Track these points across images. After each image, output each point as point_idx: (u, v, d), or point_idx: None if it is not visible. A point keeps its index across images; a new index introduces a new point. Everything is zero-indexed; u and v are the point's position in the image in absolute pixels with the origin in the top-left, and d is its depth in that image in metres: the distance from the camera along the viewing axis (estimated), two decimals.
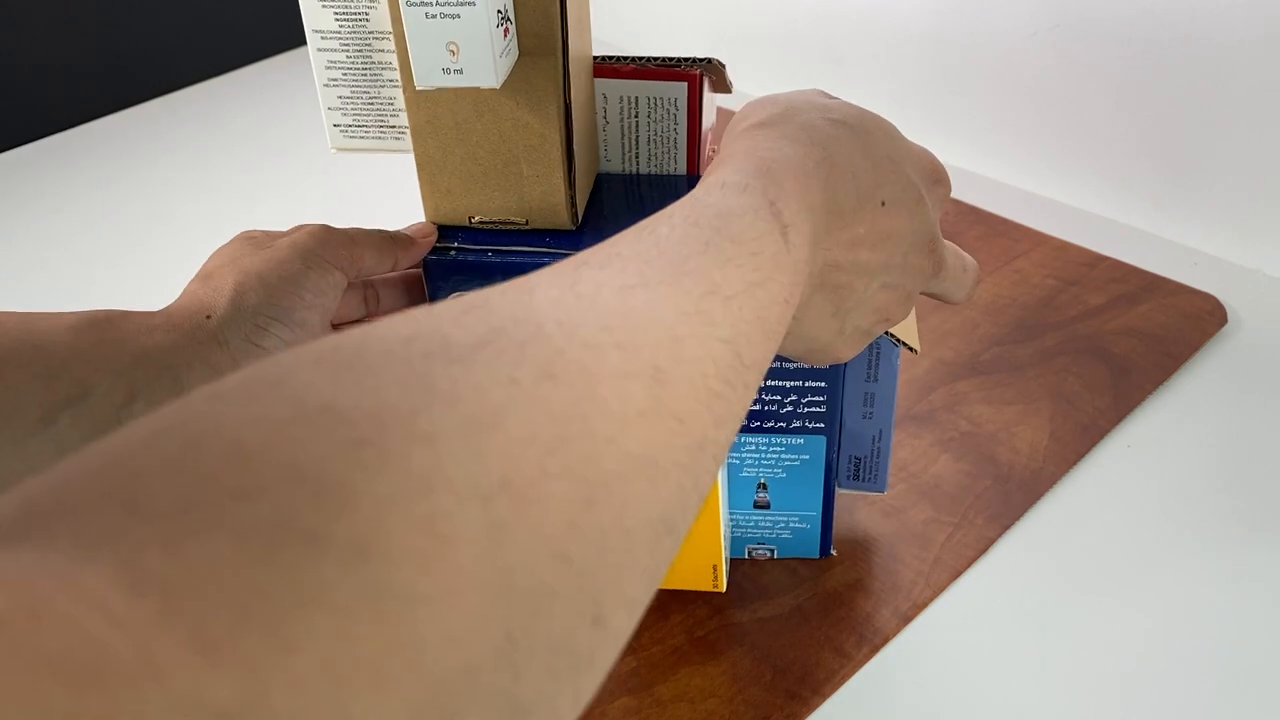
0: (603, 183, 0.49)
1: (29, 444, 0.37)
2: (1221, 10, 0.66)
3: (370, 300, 0.48)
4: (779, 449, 0.48)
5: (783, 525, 0.51)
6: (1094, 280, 0.70)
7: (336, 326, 0.47)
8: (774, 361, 0.34)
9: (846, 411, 0.49)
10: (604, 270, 0.27)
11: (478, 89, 0.41)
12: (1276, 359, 0.63)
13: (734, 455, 0.48)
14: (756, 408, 0.47)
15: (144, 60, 1.05)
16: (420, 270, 0.49)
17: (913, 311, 0.44)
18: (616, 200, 0.47)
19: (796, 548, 0.51)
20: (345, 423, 0.19)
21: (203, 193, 0.89)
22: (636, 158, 0.49)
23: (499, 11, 0.38)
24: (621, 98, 0.47)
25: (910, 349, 0.45)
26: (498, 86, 0.38)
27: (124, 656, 0.15)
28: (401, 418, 0.19)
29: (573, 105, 0.43)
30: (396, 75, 0.44)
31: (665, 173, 0.49)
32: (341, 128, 0.46)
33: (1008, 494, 0.55)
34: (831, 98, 0.40)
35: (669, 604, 0.50)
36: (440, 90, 0.41)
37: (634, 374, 0.24)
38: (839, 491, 0.52)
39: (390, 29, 0.43)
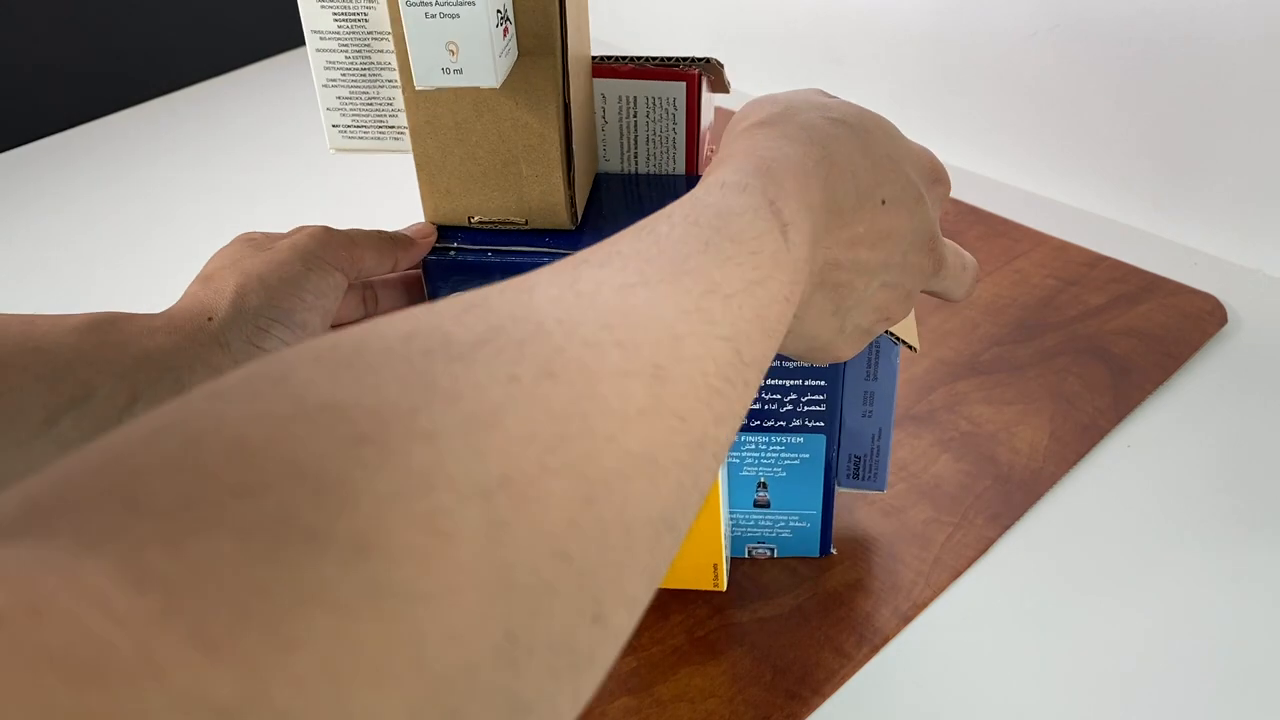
0: (601, 182, 0.49)
1: (32, 446, 0.37)
2: (1221, 10, 0.66)
3: (369, 301, 0.48)
4: (779, 448, 0.48)
5: (783, 524, 0.51)
6: (1094, 280, 0.70)
7: (336, 328, 0.47)
8: (774, 360, 0.34)
9: (846, 410, 0.49)
10: (604, 269, 0.27)
11: (477, 89, 0.41)
12: (1276, 359, 0.63)
13: (734, 454, 0.48)
14: (756, 407, 0.47)
15: (144, 60, 1.05)
16: (419, 271, 0.49)
17: (912, 310, 0.44)
18: (615, 200, 0.47)
19: (797, 547, 0.51)
20: (346, 420, 0.19)
21: (203, 193, 0.89)
22: (635, 157, 0.49)
23: (498, 11, 0.38)
24: (620, 97, 0.47)
25: (910, 347, 0.45)
26: (497, 86, 0.38)
27: (125, 653, 0.15)
28: (402, 415, 0.19)
29: (572, 105, 0.43)
30: (395, 75, 0.44)
31: (664, 172, 0.49)
32: (340, 128, 0.46)
33: (1008, 494, 0.55)
34: (830, 97, 0.40)
35: (669, 604, 0.50)
36: (439, 90, 0.41)
37: (634, 372, 0.24)
38: (839, 490, 0.52)
39: (389, 29, 0.43)
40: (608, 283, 0.26)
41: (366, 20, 0.43)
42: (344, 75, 0.45)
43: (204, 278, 0.43)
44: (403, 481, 0.18)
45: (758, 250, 0.30)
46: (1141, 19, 0.70)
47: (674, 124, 0.47)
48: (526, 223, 0.45)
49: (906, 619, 0.49)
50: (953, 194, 0.73)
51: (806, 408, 0.47)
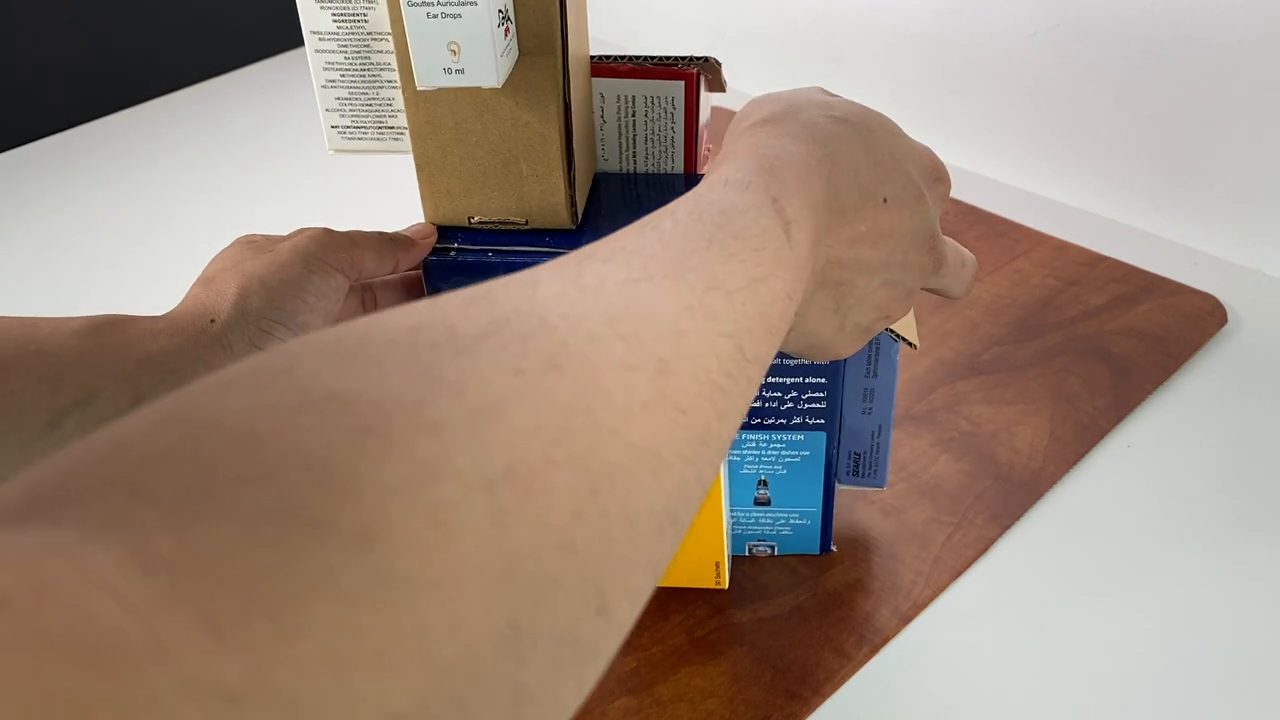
0: (600, 182, 0.49)
1: (35, 448, 0.37)
2: (1221, 10, 0.66)
3: (368, 302, 0.49)
4: (779, 445, 0.48)
5: (783, 522, 0.51)
6: (1094, 280, 0.70)
7: None
8: (775, 358, 0.34)
9: (846, 407, 0.49)
10: (608, 264, 0.27)
11: (477, 89, 0.41)
12: (1276, 359, 0.63)
13: (734, 452, 0.49)
14: (757, 404, 0.47)
15: (144, 60, 1.05)
16: (419, 272, 0.49)
17: (912, 308, 0.44)
18: (614, 199, 0.47)
19: (797, 544, 0.52)
20: (351, 411, 0.19)
21: (203, 193, 0.89)
22: (634, 157, 0.49)
23: (500, 11, 0.38)
24: (619, 97, 0.47)
25: (910, 344, 0.45)
26: (499, 86, 0.38)
27: (132, 637, 0.15)
28: (407, 407, 0.19)
29: (572, 104, 0.43)
30: (395, 76, 0.44)
31: (662, 171, 0.49)
32: (340, 129, 0.46)
33: (1008, 494, 0.55)
34: (832, 95, 0.40)
35: (669, 604, 0.50)
36: (440, 90, 0.41)
37: (638, 366, 0.24)
38: (839, 487, 0.52)
39: (388, 30, 0.43)
40: (611, 278, 0.26)
41: (366, 21, 0.43)
42: (343, 76, 0.45)
43: (205, 280, 0.43)
44: (407, 472, 0.18)
45: (760, 247, 0.30)
46: (1141, 19, 0.70)
47: (672, 123, 0.47)
48: (527, 223, 0.45)
49: (906, 619, 0.49)
50: (953, 194, 0.73)
51: (807, 405, 0.47)
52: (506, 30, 0.39)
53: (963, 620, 0.49)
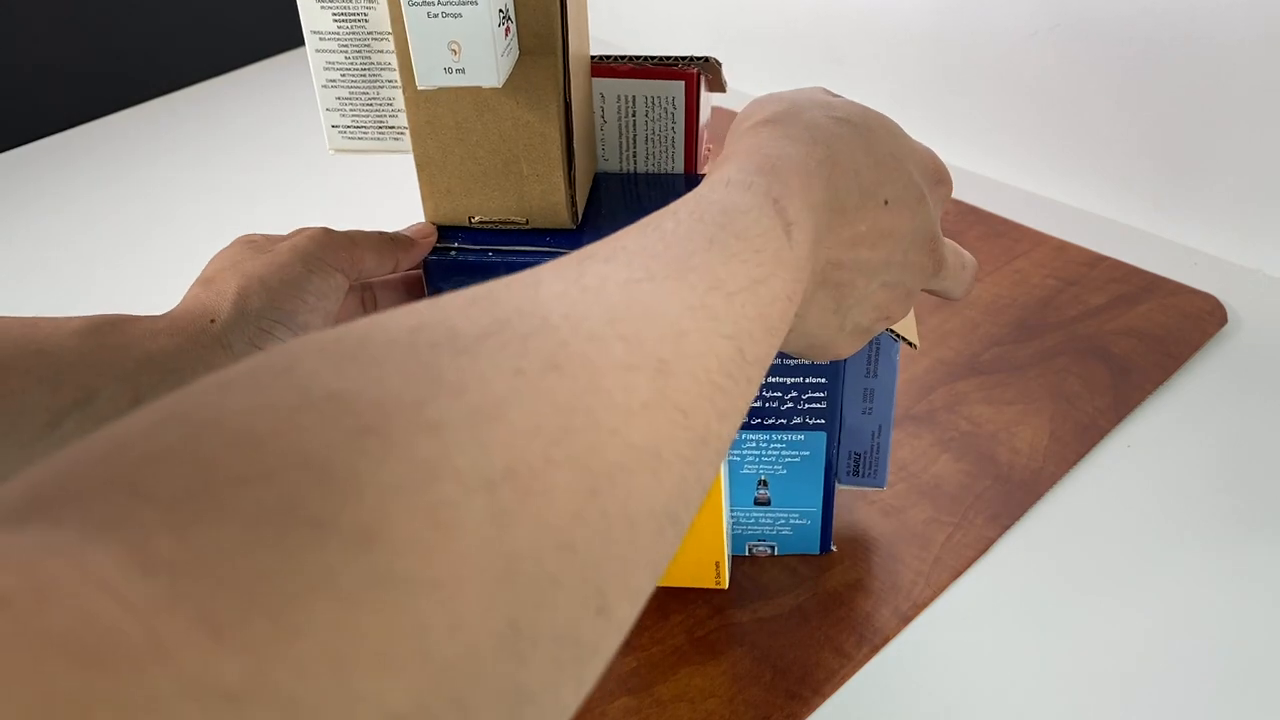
0: (601, 182, 0.49)
1: (35, 448, 0.37)
2: (1221, 10, 0.66)
3: (368, 302, 0.49)
4: (780, 445, 0.48)
5: (783, 521, 0.51)
6: (1094, 280, 0.70)
7: None
8: (775, 358, 0.34)
9: (846, 407, 0.49)
10: (609, 264, 0.27)
11: (478, 89, 0.41)
12: (1276, 359, 0.63)
13: (735, 452, 0.49)
14: (757, 404, 0.47)
15: (144, 60, 1.05)
16: (419, 271, 0.49)
17: (912, 308, 0.44)
18: (615, 199, 0.47)
19: (797, 544, 0.52)
20: (351, 411, 0.19)
21: (203, 193, 0.89)
22: (634, 157, 0.49)
23: (500, 10, 0.38)
24: (619, 97, 0.47)
25: (910, 344, 0.45)
26: (500, 85, 0.38)
27: (132, 637, 0.15)
28: (407, 407, 0.19)
29: (572, 104, 0.43)
30: (395, 76, 0.44)
31: (663, 171, 0.49)
32: (340, 129, 0.46)
33: (1008, 494, 0.55)
34: (834, 95, 0.40)
35: (669, 604, 0.50)
36: (440, 90, 0.41)
37: (638, 366, 0.24)
38: (839, 487, 0.52)
39: (389, 29, 0.43)
40: (612, 278, 0.26)
41: (366, 20, 0.43)
42: (344, 75, 0.45)
43: (205, 280, 0.43)
44: (407, 472, 0.18)
45: (761, 248, 0.30)
46: (1141, 19, 0.70)
47: (673, 123, 0.47)
48: (527, 222, 0.45)
49: (906, 619, 0.49)
50: (953, 194, 0.73)
51: (807, 405, 0.47)
52: (507, 30, 0.39)
53: (963, 620, 0.49)
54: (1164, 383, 0.61)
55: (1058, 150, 0.78)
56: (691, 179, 0.48)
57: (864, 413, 0.49)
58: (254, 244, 0.45)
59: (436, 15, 0.37)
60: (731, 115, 0.89)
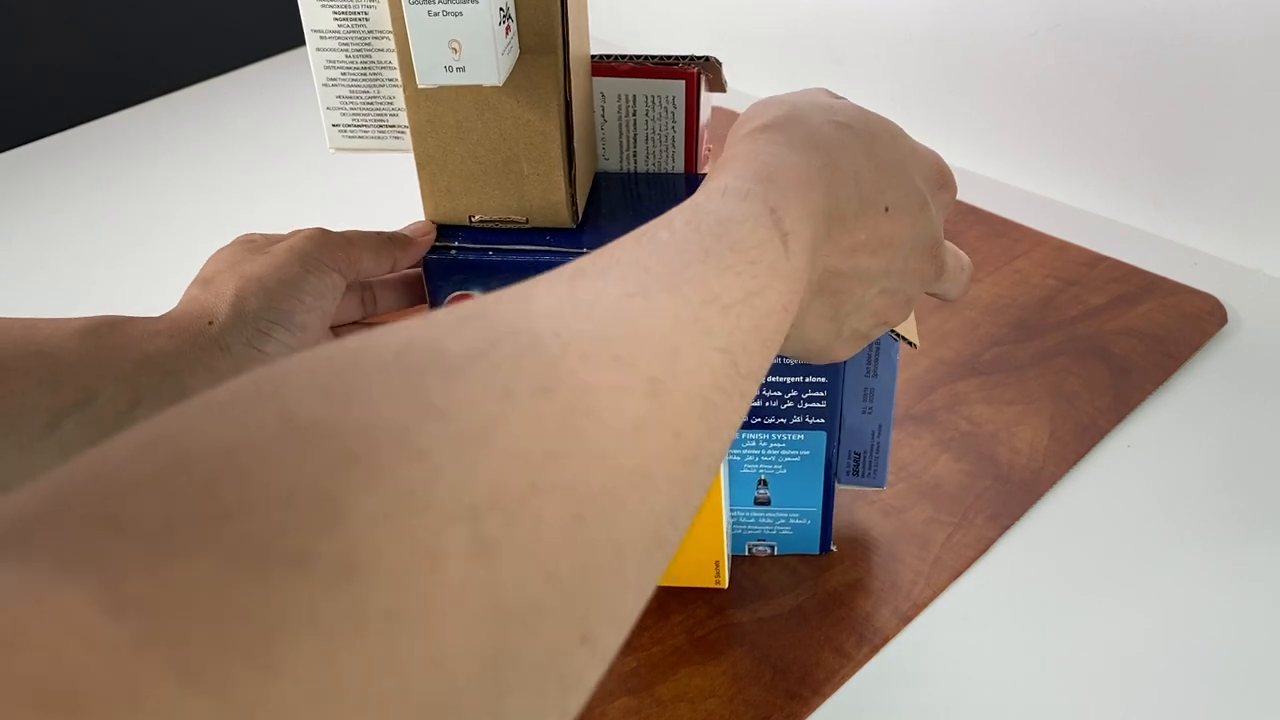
0: (601, 181, 0.49)
1: (34, 449, 0.37)
2: (1221, 10, 0.66)
3: (368, 302, 0.48)
4: (779, 445, 0.48)
5: (783, 521, 0.51)
6: (1094, 280, 0.70)
7: (335, 329, 0.47)
8: (775, 358, 0.34)
9: (846, 407, 0.49)
10: (603, 278, 0.27)
11: (478, 87, 0.41)
12: (1276, 359, 0.63)
13: (734, 452, 0.48)
14: (757, 404, 0.47)
15: (144, 60, 1.05)
16: (419, 270, 0.49)
17: (911, 312, 0.44)
18: (615, 199, 0.47)
19: (797, 544, 0.51)
20: (335, 438, 0.19)
21: (203, 193, 0.89)
22: (634, 156, 0.49)
23: (501, 9, 0.38)
24: (619, 96, 0.47)
25: (910, 344, 0.45)
26: (500, 84, 0.38)
27: (101, 681, 0.14)
28: (393, 433, 0.19)
29: (572, 103, 0.43)
30: (396, 74, 0.44)
31: (663, 171, 0.49)
32: (340, 127, 0.46)
33: (1008, 494, 0.55)
34: (837, 97, 0.40)
35: (669, 604, 0.50)
36: (441, 89, 0.41)
37: (630, 386, 0.24)
38: (839, 487, 0.52)
39: (389, 28, 0.43)
40: (606, 292, 0.26)
41: (367, 19, 0.43)
42: (344, 74, 0.45)
43: (203, 280, 0.43)
44: (391, 502, 0.18)
45: (757, 260, 0.30)
46: (1141, 19, 0.70)
47: (673, 122, 0.47)
48: (528, 221, 0.45)
49: (906, 619, 0.49)
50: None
51: (807, 405, 0.47)
52: (507, 28, 0.39)
53: (963, 620, 0.49)
54: (1164, 383, 0.61)
55: (1058, 150, 0.78)
56: (691, 178, 0.48)
57: (864, 412, 0.49)
58: (252, 244, 0.44)
59: (437, 14, 0.37)
60: (731, 115, 0.89)
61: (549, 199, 0.44)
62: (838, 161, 0.35)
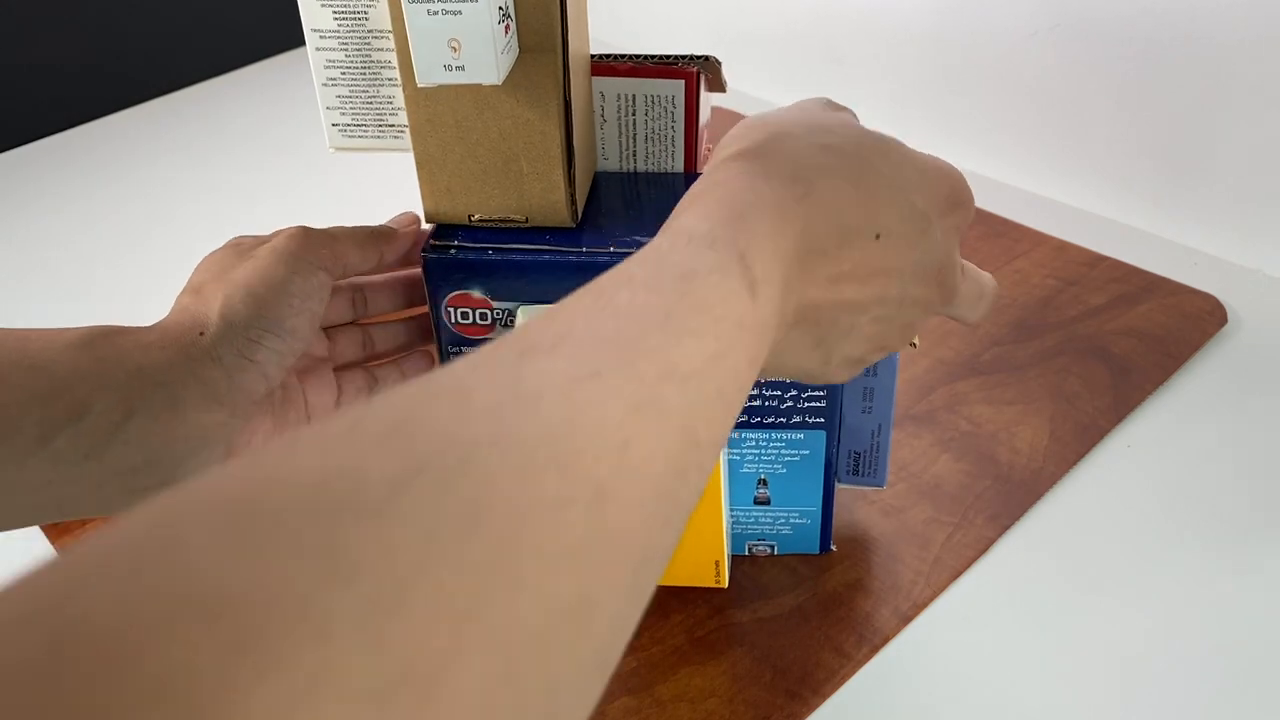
0: (600, 181, 0.49)
1: (27, 463, 0.37)
2: (1221, 10, 0.66)
3: (358, 304, 0.48)
4: (779, 445, 0.48)
5: (783, 521, 0.51)
6: (1094, 280, 0.70)
7: (327, 330, 0.47)
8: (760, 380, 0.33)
9: (846, 406, 0.49)
10: (553, 355, 0.25)
11: (478, 86, 0.41)
12: (1276, 359, 0.63)
13: (734, 451, 0.48)
14: (757, 404, 0.47)
15: (144, 60, 1.05)
16: (408, 273, 0.49)
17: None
18: (614, 198, 0.47)
19: (797, 543, 0.51)
20: (232, 614, 0.17)
21: (203, 193, 0.89)
22: (634, 156, 0.49)
23: (500, 8, 0.38)
24: (619, 96, 0.47)
25: (910, 344, 0.45)
26: (499, 83, 0.38)
27: None
28: (296, 603, 0.17)
29: (572, 103, 0.43)
30: (395, 74, 0.44)
31: (663, 170, 0.49)
32: (340, 127, 0.46)
33: (1008, 494, 0.55)
34: (838, 109, 0.38)
35: (669, 603, 0.50)
36: (440, 88, 0.41)
37: (572, 498, 0.22)
38: (839, 487, 0.52)
39: (389, 28, 0.43)
40: (554, 378, 0.24)
41: (367, 19, 0.43)
42: (344, 74, 0.45)
43: (193, 289, 0.43)
44: (285, 694, 0.16)
45: (723, 315, 0.28)
46: (1141, 19, 0.70)
47: (672, 122, 0.47)
48: (527, 220, 0.45)
49: (906, 619, 0.49)
50: None
51: (807, 404, 0.47)
52: (507, 28, 0.39)
53: (963, 620, 0.49)
54: (1164, 383, 0.61)
55: (1058, 150, 0.78)
56: (691, 178, 0.48)
57: (864, 412, 0.49)
58: (241, 247, 0.44)
59: (437, 13, 0.37)
60: (731, 115, 0.89)
61: (548, 198, 0.44)
62: (818, 193, 0.33)
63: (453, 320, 0.45)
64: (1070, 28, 0.74)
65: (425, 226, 0.46)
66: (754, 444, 0.48)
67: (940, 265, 0.36)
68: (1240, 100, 0.68)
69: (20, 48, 0.97)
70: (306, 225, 0.44)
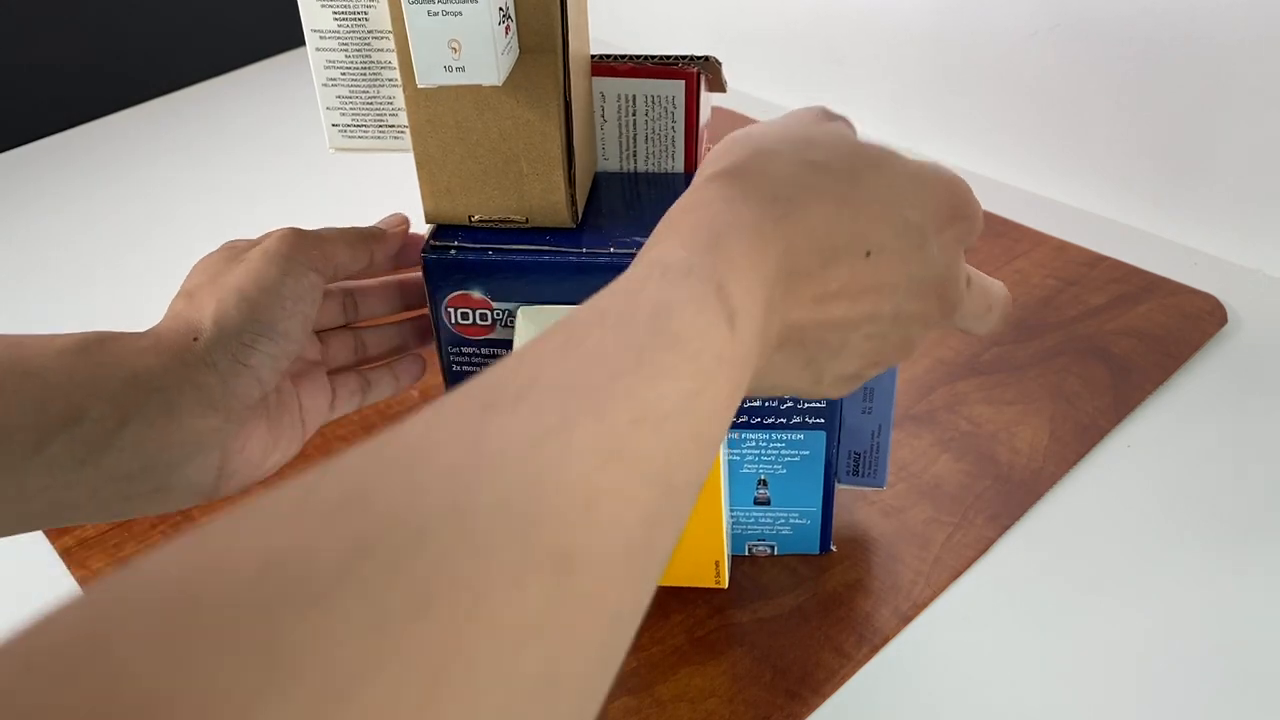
0: (600, 181, 0.49)
1: (21, 470, 0.37)
2: (1221, 10, 0.66)
3: (349, 308, 0.48)
4: (779, 445, 0.48)
5: (783, 521, 0.51)
6: (1094, 280, 0.70)
7: (318, 334, 0.47)
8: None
9: (846, 407, 0.49)
10: (517, 409, 0.23)
11: (478, 87, 0.41)
12: (1276, 359, 0.63)
13: (734, 451, 0.48)
14: (757, 404, 0.47)
15: (144, 60, 1.05)
16: (398, 277, 0.49)
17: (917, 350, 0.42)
18: (614, 199, 0.47)
19: (797, 544, 0.51)
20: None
21: (203, 193, 0.89)
22: (634, 156, 0.49)
23: (500, 9, 0.38)
24: (619, 96, 0.47)
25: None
26: (500, 84, 0.38)
27: None
28: (232, 709, 0.16)
29: (572, 103, 0.43)
30: (396, 74, 0.44)
31: (663, 171, 0.49)
32: (340, 127, 0.46)
33: (1008, 494, 0.55)
34: (832, 119, 0.37)
35: (669, 603, 0.50)
36: (440, 89, 0.41)
37: (533, 570, 0.20)
38: (839, 487, 0.52)
39: (389, 28, 0.43)
40: (517, 436, 0.23)
41: (367, 19, 0.43)
42: (344, 74, 0.45)
43: (186, 294, 0.43)
44: None
45: (699, 351, 0.27)
46: (1141, 19, 0.70)
47: (673, 122, 0.47)
48: (527, 221, 0.45)
49: (906, 619, 0.49)
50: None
51: (806, 404, 0.47)
52: (507, 28, 0.39)
53: (963, 620, 0.49)
54: (1164, 383, 0.61)
55: (1058, 150, 0.78)
56: (691, 178, 0.48)
57: (864, 412, 0.49)
58: (234, 249, 0.44)
59: (437, 13, 0.37)
60: (731, 115, 0.89)
61: (548, 199, 0.44)
62: (799, 213, 0.32)
63: (453, 320, 0.45)
64: (1070, 28, 0.74)
65: (422, 229, 0.46)
66: (754, 444, 0.48)
67: (939, 280, 0.35)
68: (1240, 100, 0.68)
69: (20, 48, 0.97)
70: (296, 227, 0.44)
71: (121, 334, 0.40)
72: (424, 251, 0.44)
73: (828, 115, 0.37)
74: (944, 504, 0.54)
